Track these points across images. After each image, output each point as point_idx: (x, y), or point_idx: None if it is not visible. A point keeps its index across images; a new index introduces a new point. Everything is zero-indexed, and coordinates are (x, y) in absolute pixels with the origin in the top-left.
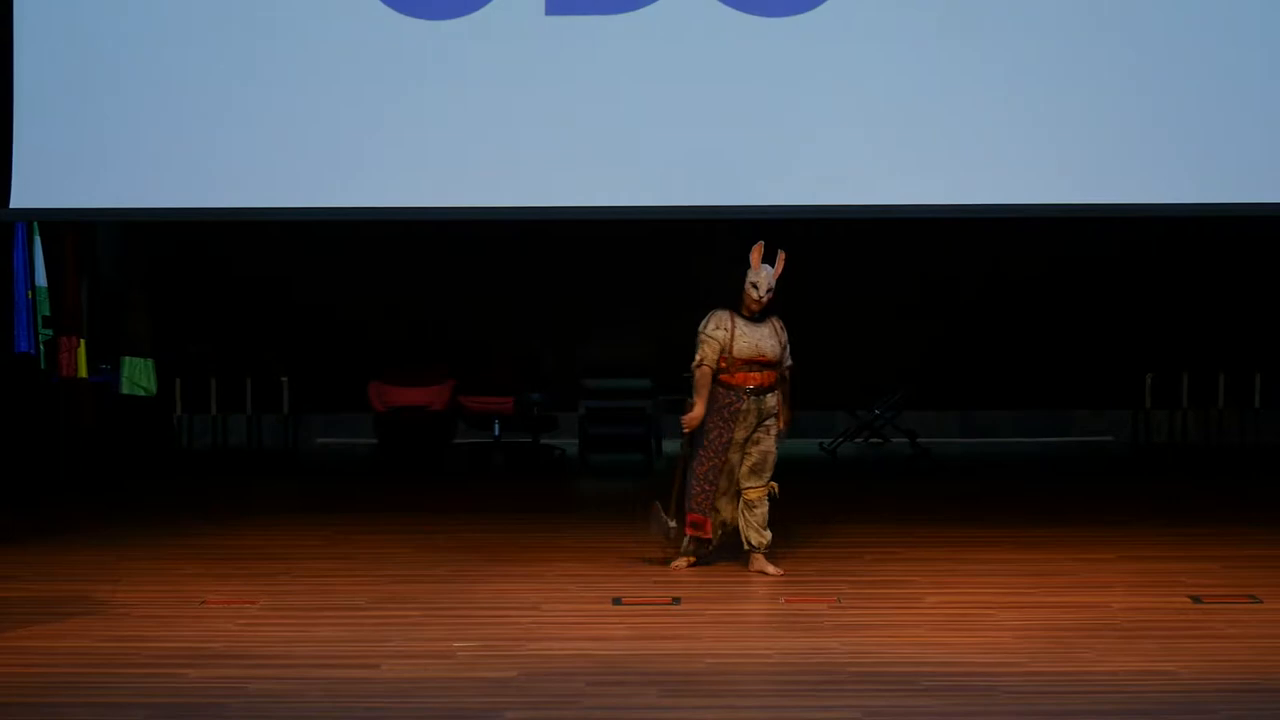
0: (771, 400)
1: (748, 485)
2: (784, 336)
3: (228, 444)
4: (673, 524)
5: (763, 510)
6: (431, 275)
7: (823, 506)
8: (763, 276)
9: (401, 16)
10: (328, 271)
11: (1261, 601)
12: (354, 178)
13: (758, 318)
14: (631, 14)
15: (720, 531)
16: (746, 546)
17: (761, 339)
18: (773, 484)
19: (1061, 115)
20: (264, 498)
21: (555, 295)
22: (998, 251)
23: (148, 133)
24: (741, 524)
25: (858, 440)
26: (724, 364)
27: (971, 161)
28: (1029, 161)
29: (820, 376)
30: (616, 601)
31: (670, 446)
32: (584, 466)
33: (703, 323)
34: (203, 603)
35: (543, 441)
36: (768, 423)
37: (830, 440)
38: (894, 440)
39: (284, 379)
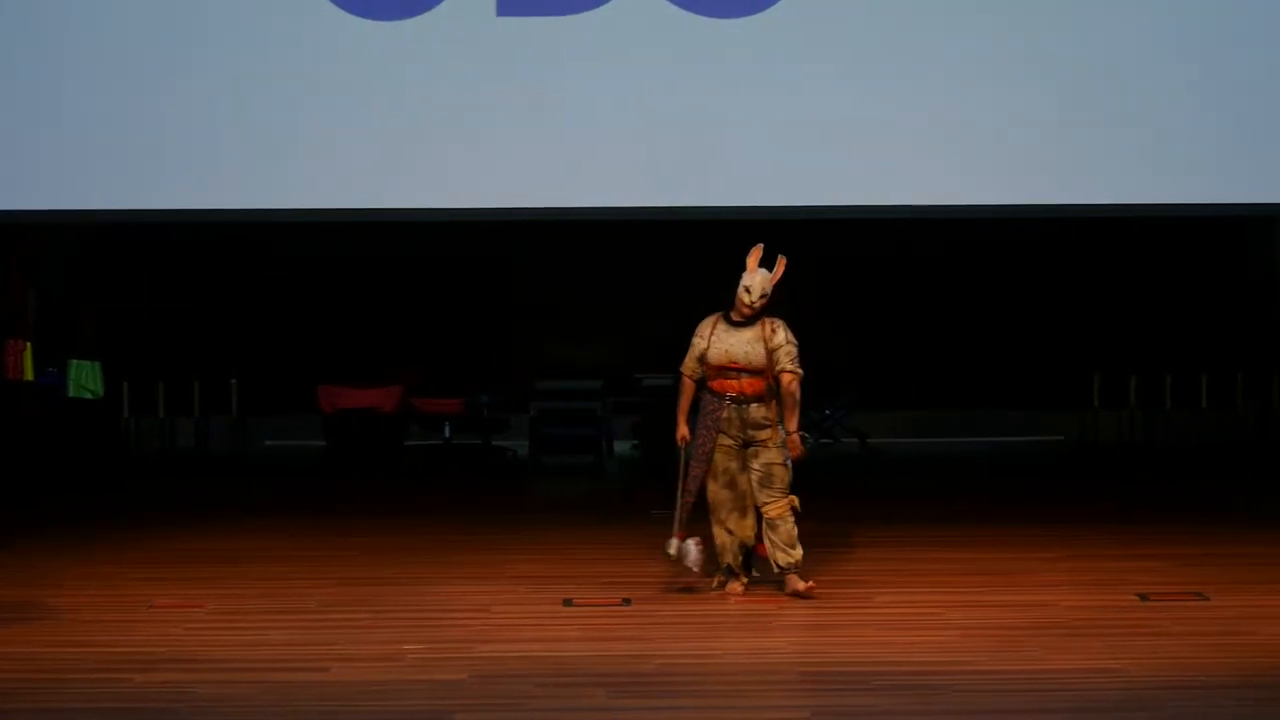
0: (758, 410)
1: (763, 502)
2: (777, 341)
3: (176, 446)
4: (692, 542)
5: (786, 528)
6: (381, 277)
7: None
8: (756, 281)
9: (351, 17)
10: (277, 273)
11: (1209, 599)
12: (304, 178)
13: (744, 323)
14: (583, 15)
15: (743, 550)
16: (775, 570)
17: (735, 344)
18: (792, 498)
19: (1014, 116)
20: (212, 501)
21: (505, 296)
22: (948, 253)
23: (94, 135)
24: (769, 545)
25: (807, 440)
26: (705, 370)
27: (922, 162)
28: (980, 162)
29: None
30: (567, 603)
31: (621, 448)
32: (535, 468)
33: None
34: (150, 607)
35: (493, 443)
36: (763, 435)
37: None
38: (844, 440)
39: (233, 381)
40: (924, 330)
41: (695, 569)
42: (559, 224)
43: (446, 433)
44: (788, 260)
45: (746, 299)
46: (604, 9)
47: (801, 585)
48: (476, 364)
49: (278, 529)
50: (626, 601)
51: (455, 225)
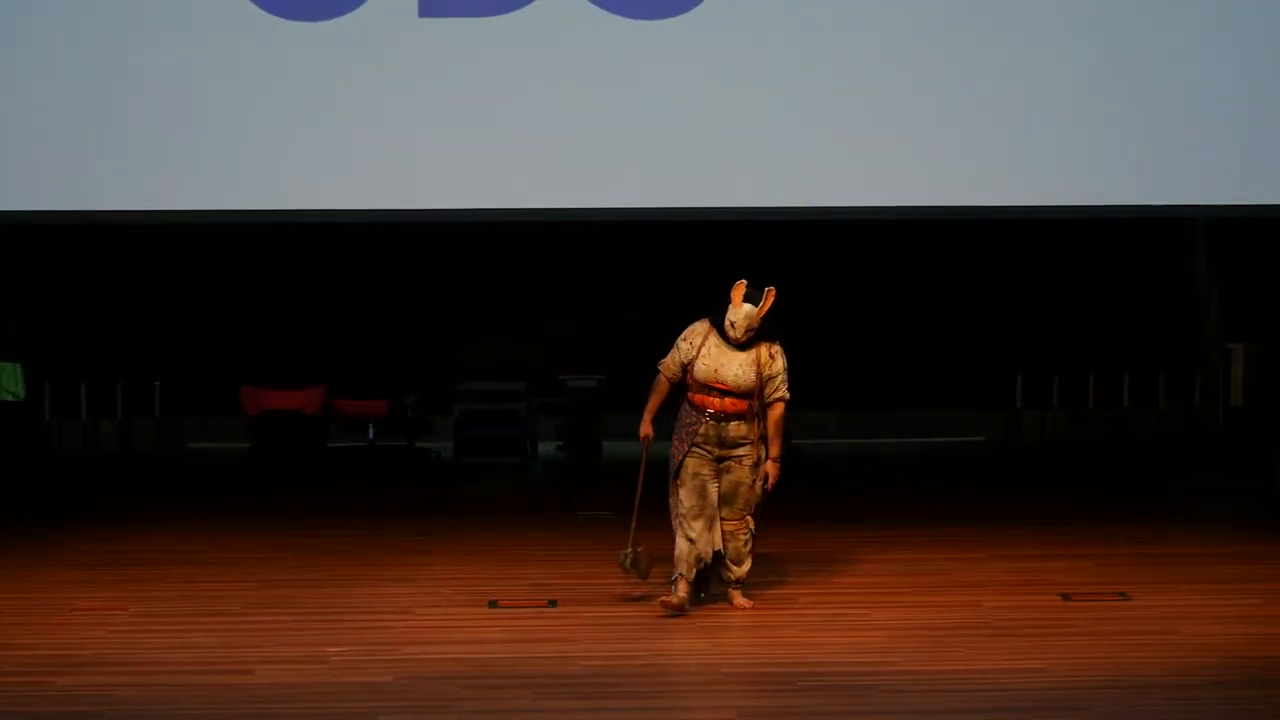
0: (737, 429)
1: (722, 516)
2: (776, 369)
3: (98, 448)
4: (629, 551)
5: (735, 544)
6: (303, 277)
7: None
8: (740, 317)
9: (272, 18)
10: (199, 274)
11: (1130, 599)
12: (226, 180)
13: (739, 345)
14: (505, 16)
15: (698, 565)
16: (719, 581)
17: (726, 365)
18: (749, 520)
19: (941, 115)
20: (135, 503)
21: (428, 297)
22: (871, 252)
23: (13, 137)
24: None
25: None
26: (687, 379)
27: (846, 162)
28: (906, 162)
29: None
30: (492, 605)
31: (545, 449)
32: (459, 469)
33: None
34: (72, 610)
35: (417, 444)
36: (739, 452)
37: None
38: None
39: (156, 382)
40: (847, 331)
41: (643, 580)
42: (482, 225)
43: (370, 434)
44: (695, 261)
45: (732, 333)
46: (524, 10)
47: (740, 602)
48: (400, 365)
49: (201, 531)
50: (552, 603)
51: (377, 226)
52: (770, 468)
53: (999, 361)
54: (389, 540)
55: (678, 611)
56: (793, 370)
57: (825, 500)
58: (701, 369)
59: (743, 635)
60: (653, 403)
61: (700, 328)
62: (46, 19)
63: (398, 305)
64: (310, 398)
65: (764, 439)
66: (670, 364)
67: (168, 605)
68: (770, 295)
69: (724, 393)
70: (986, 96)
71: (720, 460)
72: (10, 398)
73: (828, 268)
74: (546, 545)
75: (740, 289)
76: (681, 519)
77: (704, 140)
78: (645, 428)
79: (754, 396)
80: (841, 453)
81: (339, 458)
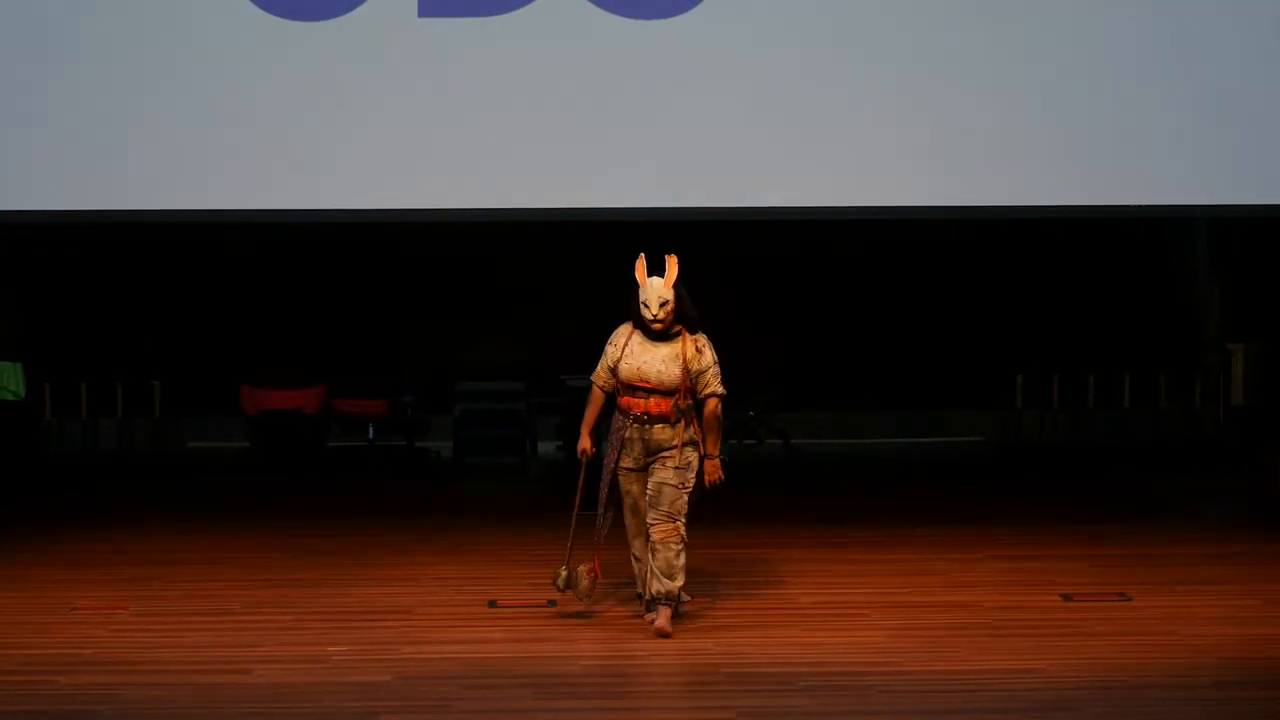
0: (662, 433)
1: (649, 522)
2: (704, 363)
3: (98, 448)
4: (563, 571)
5: (666, 554)
6: (303, 277)
7: (696, 508)
8: (651, 292)
9: (272, 18)
10: (199, 273)
11: (1131, 599)
12: (227, 180)
13: (661, 336)
14: (504, 16)
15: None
16: (643, 598)
17: (648, 362)
18: (680, 524)
19: (942, 114)
20: (135, 502)
21: (428, 297)
22: (872, 252)
23: (15, 136)
24: (648, 570)
25: (732, 442)
26: (616, 383)
27: (849, 162)
28: (908, 162)
29: None
30: (492, 604)
31: (545, 449)
32: (458, 469)
33: None
34: (73, 609)
35: (417, 444)
36: (664, 455)
37: None
38: (768, 441)
39: (155, 382)
40: (847, 331)
41: (585, 600)
42: (481, 225)
43: (370, 434)
44: (684, 260)
45: (649, 314)
46: (524, 11)
47: (661, 623)
48: (399, 365)
49: (201, 531)
50: (552, 603)
51: (377, 226)
52: (709, 466)
53: (999, 361)
54: (388, 540)
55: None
56: (793, 369)
57: (824, 500)
58: (625, 368)
59: (743, 635)
60: (589, 415)
61: (623, 329)
62: (49, 21)
63: (397, 305)
64: (310, 397)
65: (693, 441)
66: (600, 372)
67: (168, 605)
68: (673, 262)
69: (648, 391)
70: (988, 96)
71: (646, 468)
72: (11, 397)
73: (827, 267)
74: (546, 545)
75: (641, 265)
76: (628, 541)
77: (705, 140)
78: (584, 441)
79: (679, 394)
80: (840, 453)
81: (339, 457)
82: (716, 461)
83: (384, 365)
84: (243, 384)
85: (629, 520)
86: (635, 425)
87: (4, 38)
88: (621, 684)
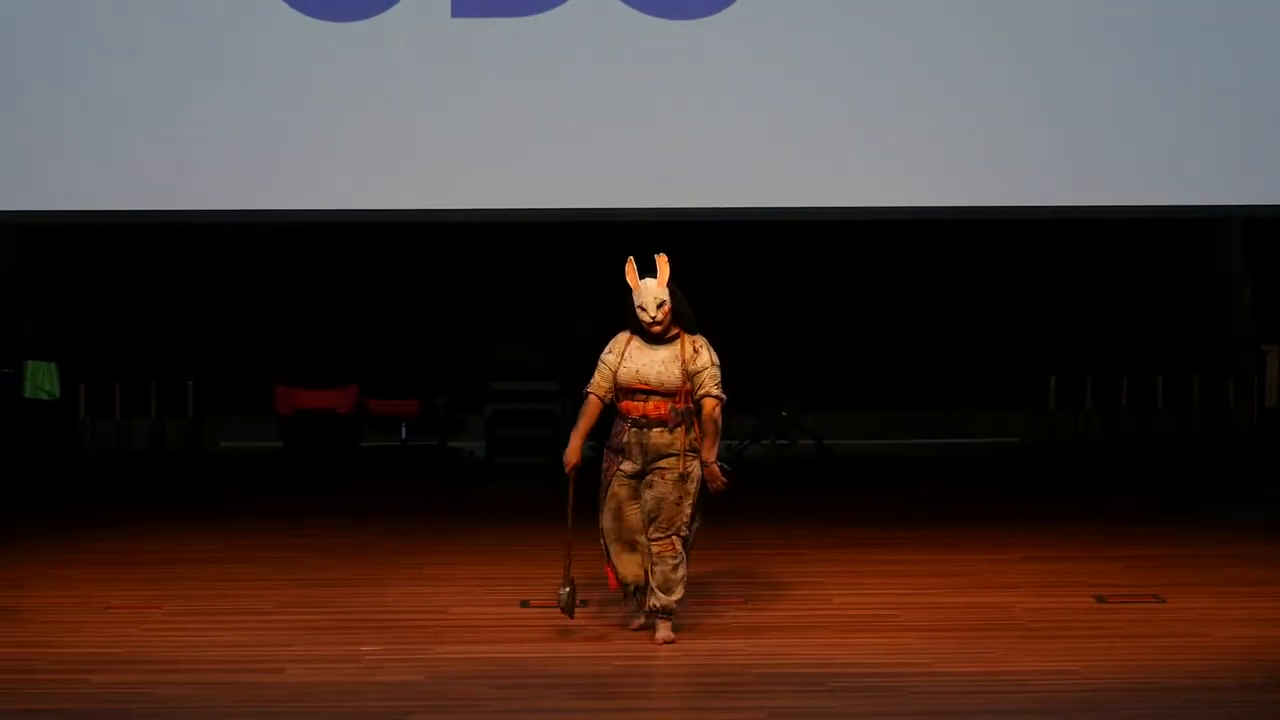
0: (661, 436)
1: (651, 537)
2: (701, 363)
3: (132, 447)
4: (565, 589)
5: (664, 569)
6: (336, 277)
7: (730, 508)
8: (646, 294)
9: (305, 18)
10: (233, 273)
11: (1165, 601)
12: (260, 180)
13: (659, 339)
14: (538, 16)
15: (625, 590)
16: (644, 611)
17: (647, 364)
18: (674, 539)
19: (970, 117)
20: (169, 502)
21: (461, 297)
22: (907, 253)
23: (48, 136)
24: (649, 583)
25: (764, 442)
26: (616, 390)
27: (880, 162)
28: (937, 163)
29: (725, 377)
30: (524, 604)
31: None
32: (490, 469)
33: None
34: (107, 608)
35: (450, 444)
36: (663, 464)
37: (737, 442)
38: (800, 442)
39: (189, 382)
40: (881, 332)
41: (571, 617)
42: (516, 224)
43: (403, 434)
44: (730, 261)
45: (647, 317)
46: (557, 11)
47: (662, 635)
48: (432, 365)
49: (234, 530)
50: (584, 603)
51: (411, 226)
52: (708, 473)
53: (1032, 362)
54: (420, 540)
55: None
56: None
57: (857, 501)
58: (624, 373)
59: (774, 636)
60: (582, 425)
61: (621, 337)
62: (76, 21)
63: (431, 305)
64: (343, 397)
65: (694, 448)
66: (599, 382)
67: (201, 604)
68: (664, 261)
69: (648, 394)
70: (1022, 97)
71: (644, 474)
72: (45, 397)
73: (863, 267)
74: (578, 545)
75: (632, 268)
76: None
77: (739, 140)
78: (574, 455)
79: (679, 397)
80: (873, 453)
81: (371, 457)
82: (715, 468)
83: (417, 365)
84: (276, 384)
85: (610, 524)
86: (634, 429)
87: (44, 40)
88: (652, 684)
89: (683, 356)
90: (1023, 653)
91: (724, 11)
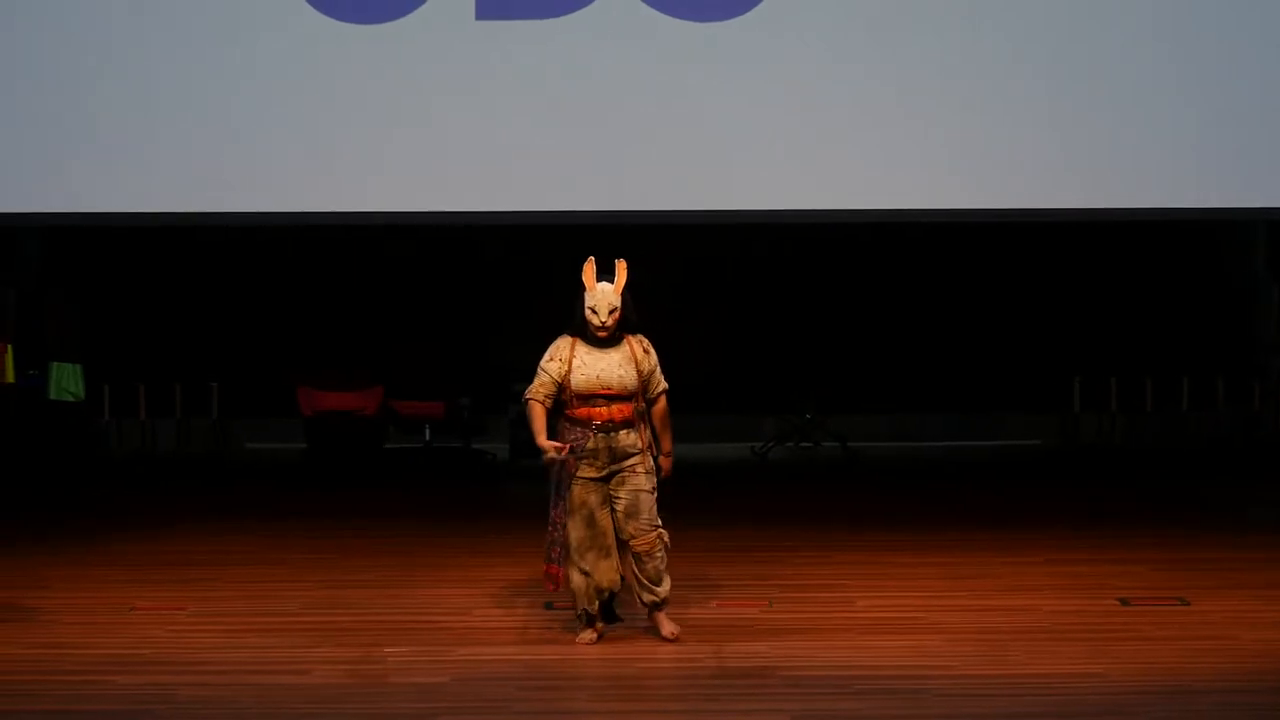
0: (627, 438)
1: (630, 534)
2: (653, 362)
3: (156, 449)
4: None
5: (653, 563)
6: (361, 279)
7: (754, 510)
8: (600, 298)
9: (329, 20)
10: (257, 275)
11: (1190, 604)
12: (284, 182)
13: (607, 343)
14: (562, 19)
15: (600, 597)
16: (643, 607)
17: (605, 368)
18: (662, 531)
19: (995, 119)
20: (193, 503)
21: (486, 299)
22: (929, 255)
23: (71, 137)
24: (634, 582)
25: (788, 444)
26: (564, 397)
27: (904, 165)
28: (961, 166)
29: (750, 380)
30: (548, 606)
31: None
32: (514, 470)
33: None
34: (131, 609)
35: (474, 446)
36: (630, 461)
37: (761, 444)
38: (824, 444)
39: (213, 383)
40: (905, 334)
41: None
42: (540, 227)
43: (427, 435)
44: (752, 263)
45: (597, 320)
46: (582, 13)
47: (669, 629)
48: (457, 367)
49: (258, 532)
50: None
51: (435, 227)
52: (664, 462)
53: (1057, 365)
54: (445, 541)
55: (593, 642)
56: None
57: (881, 503)
58: (581, 380)
59: (799, 637)
60: (540, 427)
61: (563, 343)
62: (105, 22)
63: (456, 306)
64: (368, 399)
65: (654, 441)
66: (539, 389)
67: (226, 605)
68: (622, 267)
69: (610, 399)
70: (1046, 100)
71: (609, 477)
72: (70, 398)
73: (886, 270)
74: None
75: (590, 269)
76: (573, 553)
77: (766, 142)
78: (549, 443)
79: (636, 398)
80: (898, 455)
81: (395, 459)
82: (670, 460)
83: (442, 367)
84: (300, 385)
85: (583, 533)
86: (600, 435)
87: (68, 42)
88: (677, 686)
89: (635, 357)
90: (1046, 656)
91: (751, 12)
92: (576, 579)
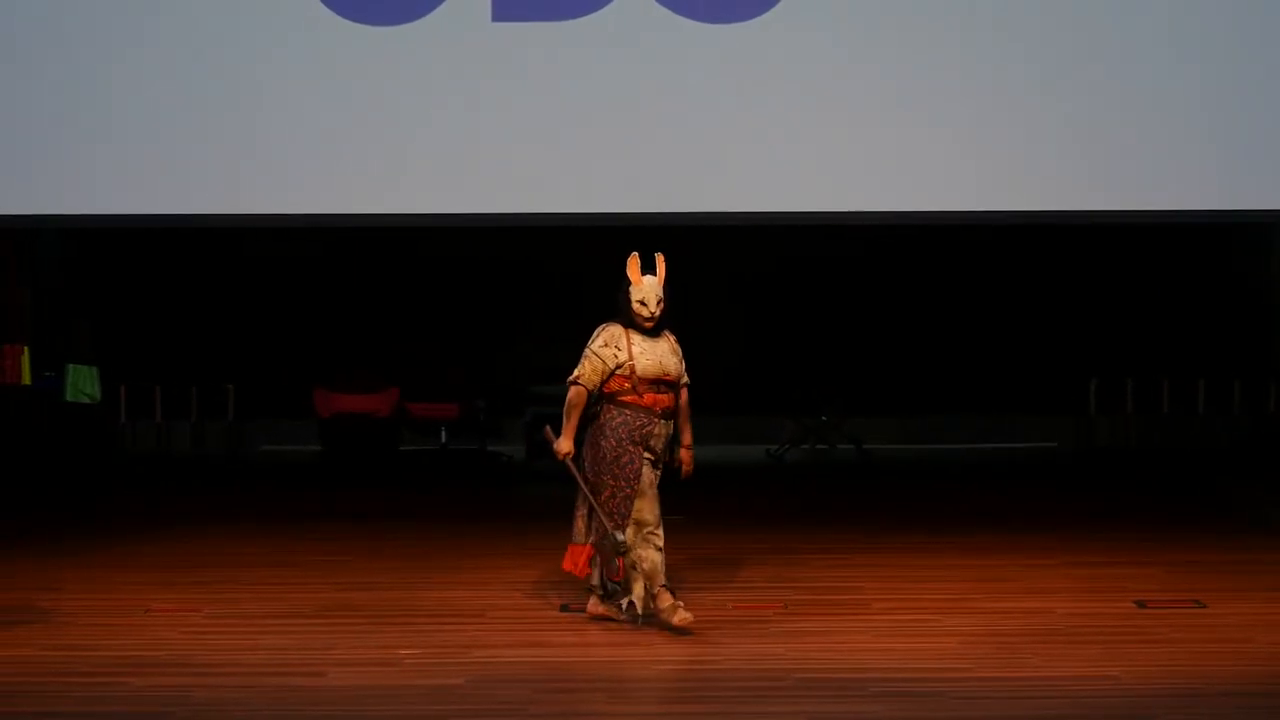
0: (671, 427)
1: (658, 523)
2: (680, 353)
3: (171, 451)
4: (609, 538)
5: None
6: (376, 281)
7: (770, 513)
8: (648, 290)
9: (346, 22)
10: (273, 277)
11: (1206, 606)
12: (300, 184)
13: (653, 333)
14: (578, 20)
15: (642, 580)
16: (664, 583)
17: (664, 356)
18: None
19: (1011, 121)
20: (209, 505)
21: (501, 301)
22: (945, 257)
23: (89, 139)
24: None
25: (804, 446)
26: (628, 384)
27: (919, 168)
28: (977, 168)
29: (767, 383)
30: (564, 608)
31: None
32: (530, 472)
33: (593, 335)
34: (146, 611)
35: (489, 448)
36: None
37: (777, 447)
38: (840, 446)
39: (229, 386)
40: (921, 336)
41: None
42: (555, 229)
43: (442, 437)
44: (770, 265)
45: (646, 312)
46: (598, 14)
47: (684, 617)
48: (472, 369)
49: (274, 533)
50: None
51: (450, 229)
52: (685, 455)
53: (1073, 367)
54: (460, 543)
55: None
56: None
57: (896, 505)
58: (647, 365)
59: (813, 640)
60: (575, 418)
61: (616, 330)
62: (125, 25)
63: (470, 309)
64: (383, 401)
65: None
66: (592, 375)
67: (241, 607)
68: (662, 260)
69: (669, 386)
70: (1062, 102)
71: (657, 464)
72: (86, 400)
73: (903, 272)
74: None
75: (635, 263)
76: (646, 531)
77: (781, 144)
78: (567, 444)
79: (679, 388)
80: (913, 457)
81: (411, 461)
82: (692, 453)
83: (457, 369)
84: (316, 387)
85: (657, 510)
86: (662, 421)
87: (79, 44)
88: (692, 688)
89: (676, 349)
90: (1062, 658)
91: (769, 13)
92: (653, 557)
